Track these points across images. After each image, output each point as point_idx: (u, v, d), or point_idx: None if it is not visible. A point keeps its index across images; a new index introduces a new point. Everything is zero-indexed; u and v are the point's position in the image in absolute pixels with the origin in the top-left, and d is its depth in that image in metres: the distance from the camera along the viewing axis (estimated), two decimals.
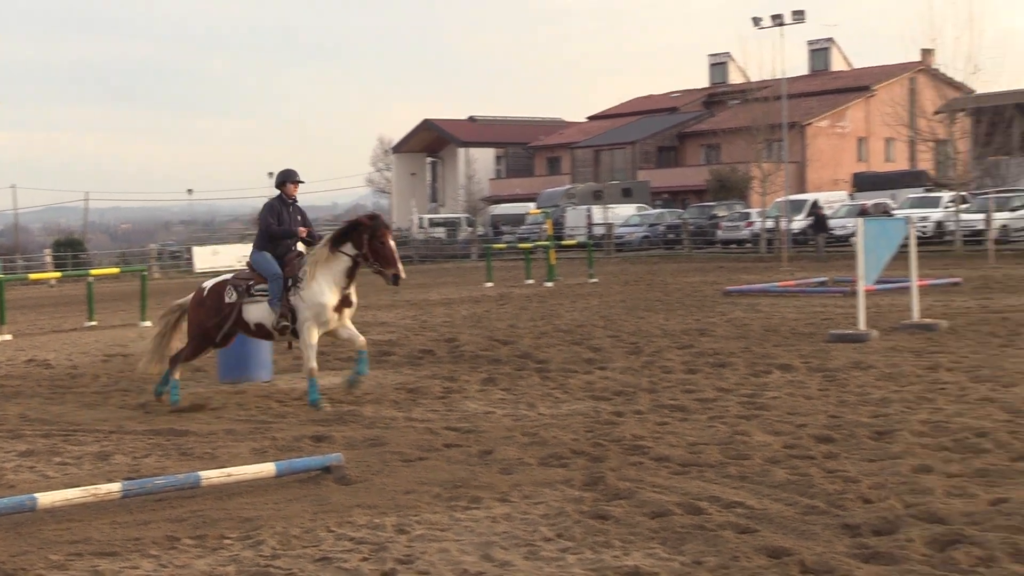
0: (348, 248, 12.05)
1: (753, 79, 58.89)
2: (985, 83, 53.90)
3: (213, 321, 12.41)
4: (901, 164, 69.57)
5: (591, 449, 9.18)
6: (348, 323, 12.32)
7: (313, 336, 12.03)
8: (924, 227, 40.24)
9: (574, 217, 57.97)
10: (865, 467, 8.23)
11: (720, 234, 52.64)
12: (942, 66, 59.85)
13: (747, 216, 52.85)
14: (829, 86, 76.91)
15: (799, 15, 54.16)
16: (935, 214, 44.69)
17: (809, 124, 71.29)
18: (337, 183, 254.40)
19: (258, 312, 12.29)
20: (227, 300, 12.42)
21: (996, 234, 38.44)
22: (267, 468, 8.34)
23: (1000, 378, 11.85)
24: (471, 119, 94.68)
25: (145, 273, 26.77)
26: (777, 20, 54.38)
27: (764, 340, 16.06)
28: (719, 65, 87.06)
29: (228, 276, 12.95)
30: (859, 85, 75.78)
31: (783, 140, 55.30)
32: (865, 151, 74.54)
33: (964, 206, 44.65)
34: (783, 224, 45.62)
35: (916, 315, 16.92)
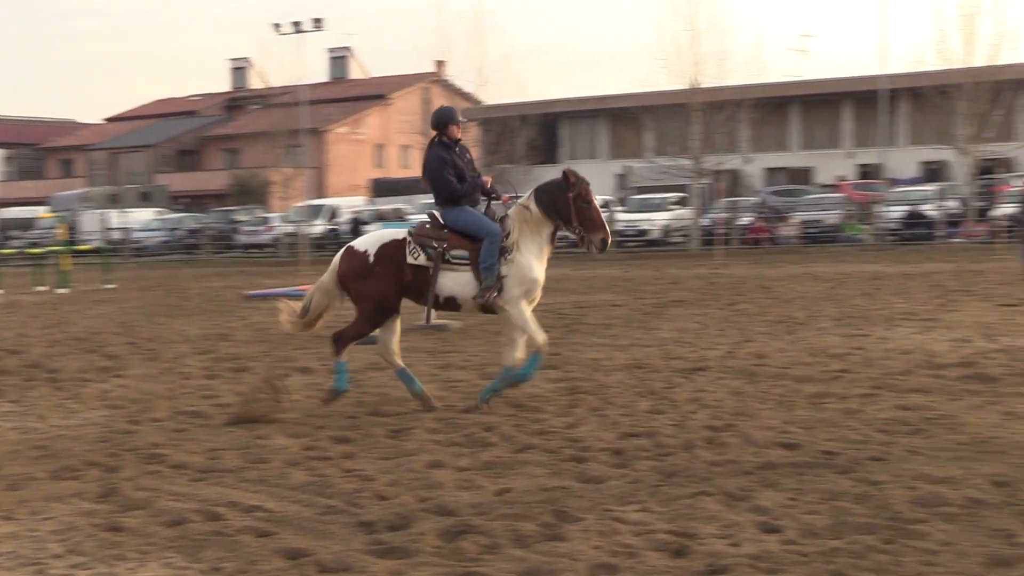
0: (552, 210, 10.48)
1: (274, 84, 58.98)
2: (492, 95, 56.76)
3: (395, 290, 10.49)
4: (417, 171, 71.84)
5: (106, 460, 8.89)
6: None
7: (527, 310, 10.47)
8: None
9: (89, 221, 55.85)
10: (382, 465, 8.46)
11: (241, 238, 52.36)
12: (454, 78, 62.55)
13: (268, 220, 52.91)
14: (348, 93, 78.38)
15: (318, 23, 54.76)
16: None
17: (328, 130, 72.30)
18: None
19: (454, 283, 10.43)
20: (411, 261, 10.40)
21: None
22: None
23: None
24: None
25: None
26: (297, 27, 54.72)
27: (284, 344, 16.13)
28: (240, 69, 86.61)
29: (397, 232, 10.75)
30: (376, 93, 77.75)
31: (303, 146, 55.73)
32: (382, 157, 76.52)
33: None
34: (303, 228, 45.96)
35: (429, 317, 17.51)
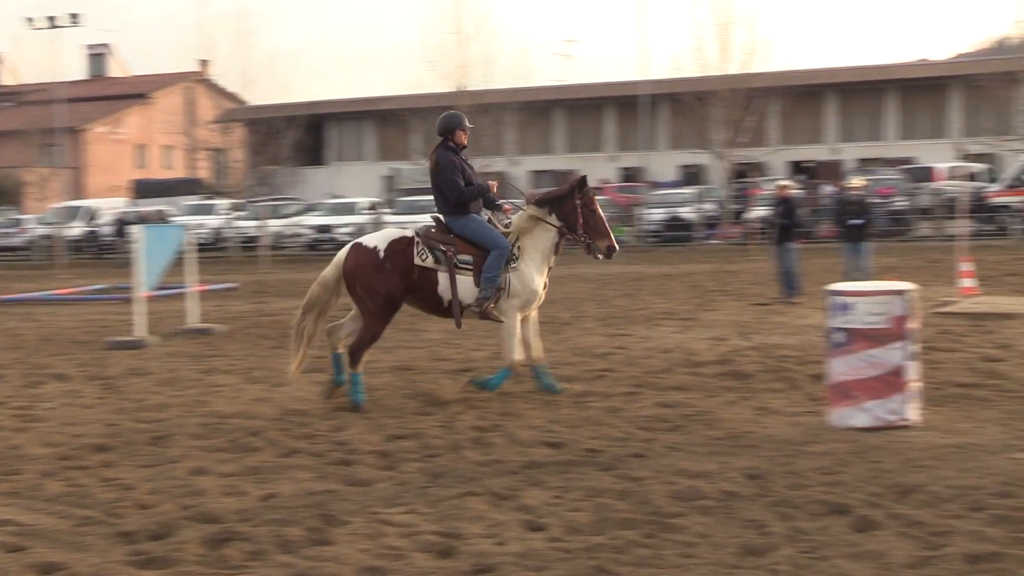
0: (553, 218, 10.46)
1: (27, 81, 56.84)
2: (258, 96, 56.02)
3: (401, 288, 10.32)
4: (180, 172, 70.31)
5: None
6: (534, 317, 10.75)
7: (517, 323, 10.41)
8: (201, 234, 40.85)
9: None
10: (143, 473, 8.24)
11: None
12: (218, 77, 61.47)
13: (21, 222, 50.83)
14: (107, 92, 75.85)
15: (75, 18, 53.05)
16: (212, 221, 45.55)
17: (87, 129, 69.93)
18: None
19: (457, 287, 10.32)
20: (418, 262, 10.30)
21: (270, 240, 39.94)
22: None
23: (271, 378, 12.34)
24: None
25: None
26: (52, 21, 52.86)
27: (39, 350, 15.56)
28: None
29: (405, 231, 10.64)
30: (137, 92, 75.54)
31: (59, 145, 53.83)
32: (144, 158, 74.42)
33: (240, 213, 46.02)
34: (60, 230, 44.33)
35: (194, 320, 17.20)
